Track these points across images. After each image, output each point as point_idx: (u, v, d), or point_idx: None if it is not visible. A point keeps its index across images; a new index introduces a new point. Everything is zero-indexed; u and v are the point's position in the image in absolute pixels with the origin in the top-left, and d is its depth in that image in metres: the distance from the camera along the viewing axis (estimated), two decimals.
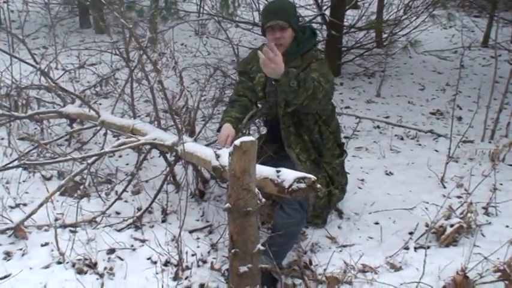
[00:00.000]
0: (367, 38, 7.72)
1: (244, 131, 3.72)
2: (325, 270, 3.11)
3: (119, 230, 3.51)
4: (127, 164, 4.45)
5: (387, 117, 5.83)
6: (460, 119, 5.80)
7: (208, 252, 3.33)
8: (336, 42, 7.17)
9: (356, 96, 6.59)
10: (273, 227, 3.24)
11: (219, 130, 3.52)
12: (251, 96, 3.67)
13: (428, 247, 3.38)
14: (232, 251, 2.67)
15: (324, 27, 7.46)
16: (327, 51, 7.32)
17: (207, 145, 3.97)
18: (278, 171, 2.75)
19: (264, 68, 3.01)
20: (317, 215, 3.56)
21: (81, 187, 3.88)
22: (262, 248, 2.71)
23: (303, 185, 2.64)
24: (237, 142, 2.48)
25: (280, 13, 3.41)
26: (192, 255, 3.25)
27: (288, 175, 2.69)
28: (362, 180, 4.37)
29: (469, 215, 3.58)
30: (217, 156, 3.16)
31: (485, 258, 3.12)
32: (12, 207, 3.73)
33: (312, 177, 2.68)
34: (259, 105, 3.76)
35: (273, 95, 3.54)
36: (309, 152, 3.55)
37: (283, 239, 3.10)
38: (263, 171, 2.78)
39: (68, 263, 3.16)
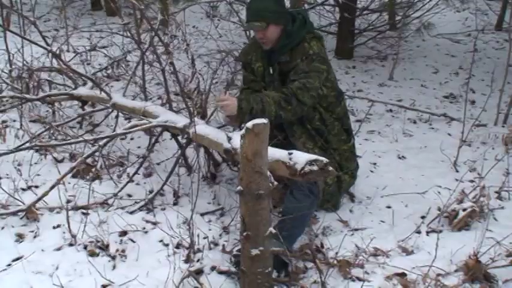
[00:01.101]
0: (380, 21, 7.67)
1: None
2: (336, 253, 3.10)
3: (131, 213, 3.52)
4: (139, 147, 4.45)
5: (400, 101, 5.81)
6: (473, 102, 5.76)
7: (220, 235, 3.34)
8: (348, 24, 7.15)
9: (369, 80, 6.56)
10: (283, 212, 3.24)
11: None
12: (255, 87, 3.65)
13: (441, 231, 3.37)
14: (244, 233, 2.67)
15: (337, 9, 7.43)
16: (339, 33, 7.29)
17: (218, 128, 3.96)
18: (290, 154, 2.74)
19: (222, 111, 3.30)
20: (327, 200, 3.55)
21: (93, 169, 3.89)
22: (273, 231, 2.71)
23: (315, 168, 2.62)
24: (249, 124, 2.47)
25: (258, 14, 3.34)
26: (204, 238, 3.25)
27: (300, 157, 2.68)
28: (374, 164, 4.35)
29: (481, 199, 3.57)
30: (229, 139, 3.16)
31: (498, 242, 3.11)
32: (24, 189, 3.74)
33: (324, 159, 2.66)
34: None
35: (272, 84, 3.53)
36: (315, 140, 3.52)
37: (293, 223, 3.08)
38: (275, 153, 2.77)
39: (79, 245, 3.17)
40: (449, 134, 5.00)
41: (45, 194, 3.44)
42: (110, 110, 4.41)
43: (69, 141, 3.87)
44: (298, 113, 3.35)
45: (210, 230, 3.37)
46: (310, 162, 2.63)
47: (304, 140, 3.49)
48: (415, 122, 5.28)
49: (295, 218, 3.06)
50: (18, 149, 3.86)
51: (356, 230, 3.43)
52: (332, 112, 3.55)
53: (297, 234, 3.20)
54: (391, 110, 5.55)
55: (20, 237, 3.25)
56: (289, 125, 3.50)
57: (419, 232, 3.38)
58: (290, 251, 3.01)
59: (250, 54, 3.64)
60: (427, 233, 3.38)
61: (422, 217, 3.55)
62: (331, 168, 2.66)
